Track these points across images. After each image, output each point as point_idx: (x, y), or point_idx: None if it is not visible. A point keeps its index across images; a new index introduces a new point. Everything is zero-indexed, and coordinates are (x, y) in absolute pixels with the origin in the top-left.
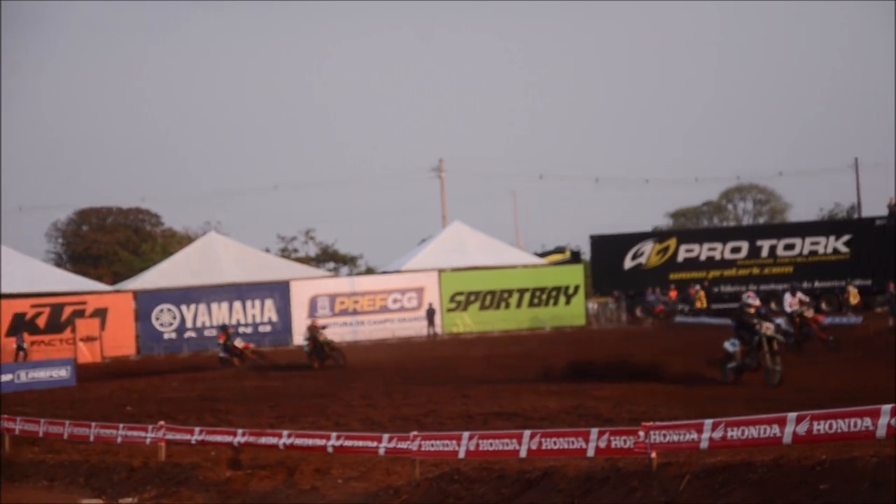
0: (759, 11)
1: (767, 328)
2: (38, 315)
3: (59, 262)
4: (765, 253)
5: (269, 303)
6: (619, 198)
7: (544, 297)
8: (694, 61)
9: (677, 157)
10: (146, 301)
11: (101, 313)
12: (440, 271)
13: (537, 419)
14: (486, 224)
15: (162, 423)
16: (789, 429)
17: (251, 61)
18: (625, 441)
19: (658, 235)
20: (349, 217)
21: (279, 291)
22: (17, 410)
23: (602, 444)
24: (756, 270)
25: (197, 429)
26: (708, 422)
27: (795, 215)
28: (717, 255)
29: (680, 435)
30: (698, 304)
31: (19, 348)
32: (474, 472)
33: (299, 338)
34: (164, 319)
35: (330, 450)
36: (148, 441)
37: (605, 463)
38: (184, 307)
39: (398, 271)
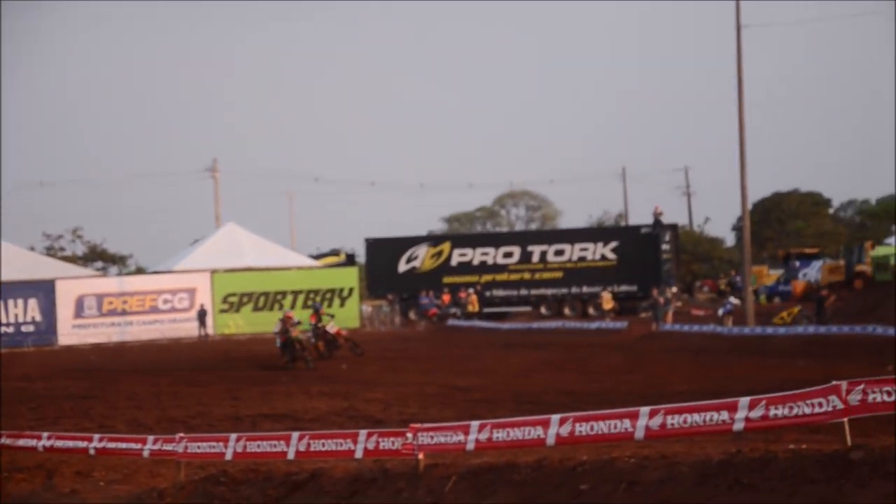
0: (531, 17)
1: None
2: None
3: None
4: (536, 258)
5: (32, 302)
6: (394, 202)
7: (318, 298)
8: (468, 71)
9: (452, 163)
10: None
11: None
12: (213, 272)
13: (307, 421)
14: (262, 226)
15: None
16: (552, 430)
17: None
18: (393, 442)
19: (432, 239)
20: (119, 216)
21: (43, 290)
22: None
23: (370, 446)
24: (527, 275)
25: None
26: (475, 423)
27: (566, 222)
28: (490, 260)
29: (447, 436)
30: (470, 308)
31: None
32: (241, 474)
33: (64, 338)
34: None
35: (92, 452)
36: None
37: (374, 464)
38: None
39: (169, 271)
